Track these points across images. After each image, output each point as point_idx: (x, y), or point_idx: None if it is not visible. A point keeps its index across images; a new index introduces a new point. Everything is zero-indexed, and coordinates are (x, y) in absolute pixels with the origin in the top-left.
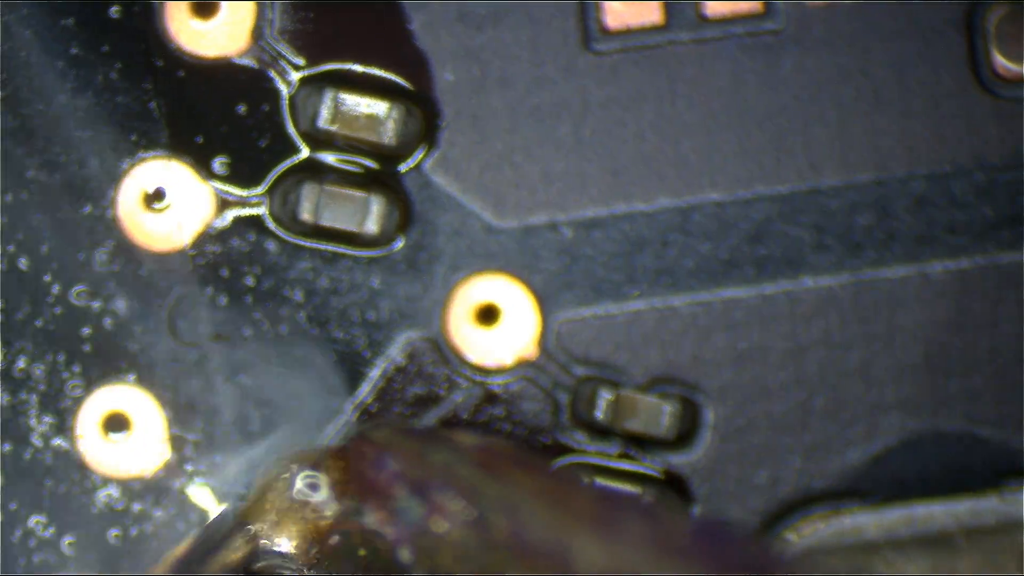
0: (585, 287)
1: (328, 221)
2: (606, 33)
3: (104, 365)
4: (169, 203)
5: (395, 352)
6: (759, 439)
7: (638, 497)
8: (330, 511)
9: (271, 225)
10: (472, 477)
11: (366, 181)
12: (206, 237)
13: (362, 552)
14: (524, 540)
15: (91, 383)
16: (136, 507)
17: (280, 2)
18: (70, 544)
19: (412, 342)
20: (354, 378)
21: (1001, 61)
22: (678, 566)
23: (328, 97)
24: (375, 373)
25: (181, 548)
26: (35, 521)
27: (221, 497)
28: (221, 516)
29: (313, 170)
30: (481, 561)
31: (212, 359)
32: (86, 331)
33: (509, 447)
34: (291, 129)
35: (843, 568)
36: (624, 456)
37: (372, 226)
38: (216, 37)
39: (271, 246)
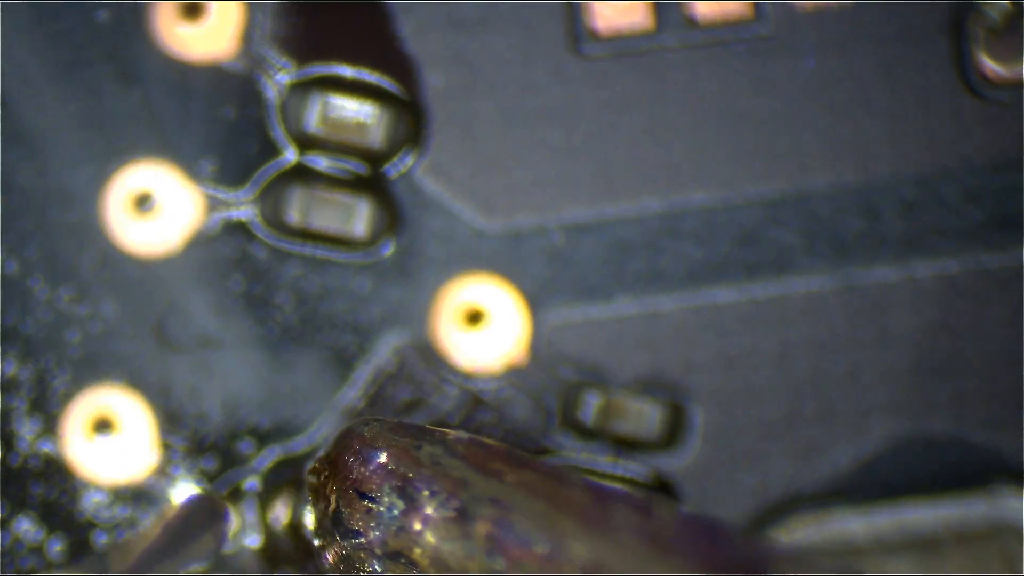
0: (574, 291)
1: (317, 225)
2: (596, 37)
3: (92, 369)
4: (157, 207)
5: (384, 356)
6: (748, 443)
7: (629, 492)
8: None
9: (260, 229)
10: (461, 471)
11: (355, 185)
12: (194, 241)
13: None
14: (511, 534)
15: (79, 387)
16: (124, 511)
17: (269, 3)
18: (58, 549)
19: (401, 346)
20: (343, 382)
21: (989, 64)
22: (669, 560)
23: (317, 101)
24: (364, 377)
25: (149, 535)
26: (23, 525)
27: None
28: (191, 502)
29: (302, 174)
30: (463, 558)
31: (200, 363)
32: (74, 335)
33: (500, 444)
34: (280, 133)
35: (832, 567)
36: (613, 459)
37: (361, 230)
38: (204, 41)
39: (259, 250)
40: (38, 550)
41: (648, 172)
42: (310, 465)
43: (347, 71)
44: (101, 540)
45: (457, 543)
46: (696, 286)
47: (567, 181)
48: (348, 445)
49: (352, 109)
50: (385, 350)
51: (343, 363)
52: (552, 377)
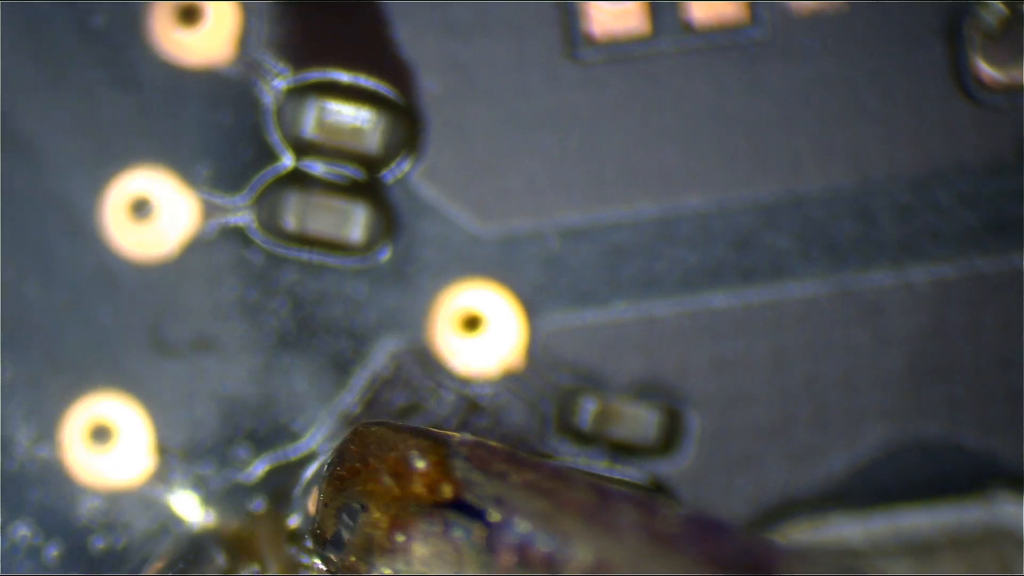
0: (570, 296)
1: (313, 230)
2: (591, 42)
3: (89, 375)
4: (154, 213)
5: (380, 361)
6: (743, 447)
7: (633, 492)
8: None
9: (256, 234)
10: (465, 472)
11: (351, 190)
12: (191, 246)
13: None
14: (514, 535)
15: (76, 393)
16: (121, 517)
17: (265, 9)
18: (55, 555)
19: (397, 351)
20: (339, 387)
21: (984, 68)
22: (672, 557)
23: (313, 106)
24: (360, 382)
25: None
26: (20, 531)
27: (205, 507)
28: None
29: (298, 179)
30: (465, 560)
31: (197, 368)
32: (71, 340)
33: (503, 445)
34: (276, 138)
35: (836, 566)
36: (609, 464)
37: (357, 235)
38: (201, 46)
39: (256, 255)
40: (35, 555)
41: (643, 177)
42: (324, 469)
43: (343, 76)
44: (97, 545)
45: (456, 547)
46: (691, 291)
47: (562, 186)
48: (352, 450)
49: (348, 114)
50: (381, 355)
51: (339, 368)
52: (548, 382)
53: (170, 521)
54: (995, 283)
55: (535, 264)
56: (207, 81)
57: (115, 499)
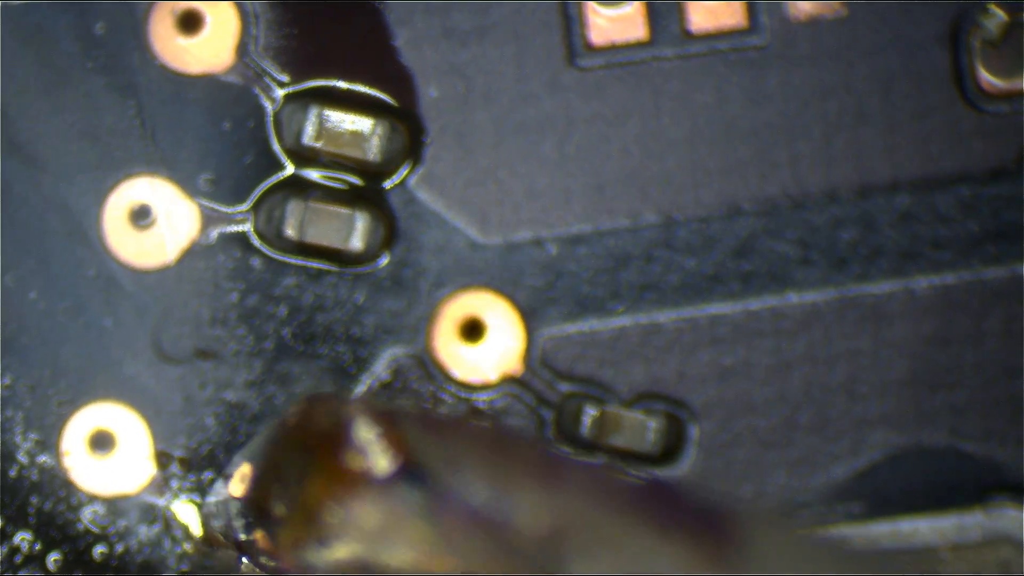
0: (570, 303)
1: (313, 238)
2: (591, 49)
3: (89, 382)
4: (154, 220)
5: (380, 368)
6: (744, 455)
7: (584, 458)
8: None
9: (256, 242)
10: (409, 438)
11: (351, 198)
12: (191, 254)
13: None
14: (463, 500)
15: (76, 400)
16: (121, 524)
17: (265, 16)
18: (55, 561)
19: (397, 358)
20: (339, 395)
21: (985, 76)
22: (626, 521)
23: (313, 114)
24: (360, 389)
25: None
26: (21, 538)
27: (206, 514)
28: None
29: (298, 187)
30: (412, 527)
31: (197, 375)
32: (71, 348)
33: (451, 415)
34: (276, 146)
35: (797, 532)
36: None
37: (357, 242)
38: (201, 54)
39: (256, 263)
40: (36, 561)
41: (643, 183)
42: (264, 443)
43: (343, 83)
44: (98, 552)
45: (406, 511)
46: (691, 297)
47: (562, 192)
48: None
49: (348, 122)
50: (381, 362)
51: (339, 374)
52: (548, 389)
53: (171, 528)
54: (997, 290)
55: (535, 270)
56: (207, 88)
57: (116, 506)
